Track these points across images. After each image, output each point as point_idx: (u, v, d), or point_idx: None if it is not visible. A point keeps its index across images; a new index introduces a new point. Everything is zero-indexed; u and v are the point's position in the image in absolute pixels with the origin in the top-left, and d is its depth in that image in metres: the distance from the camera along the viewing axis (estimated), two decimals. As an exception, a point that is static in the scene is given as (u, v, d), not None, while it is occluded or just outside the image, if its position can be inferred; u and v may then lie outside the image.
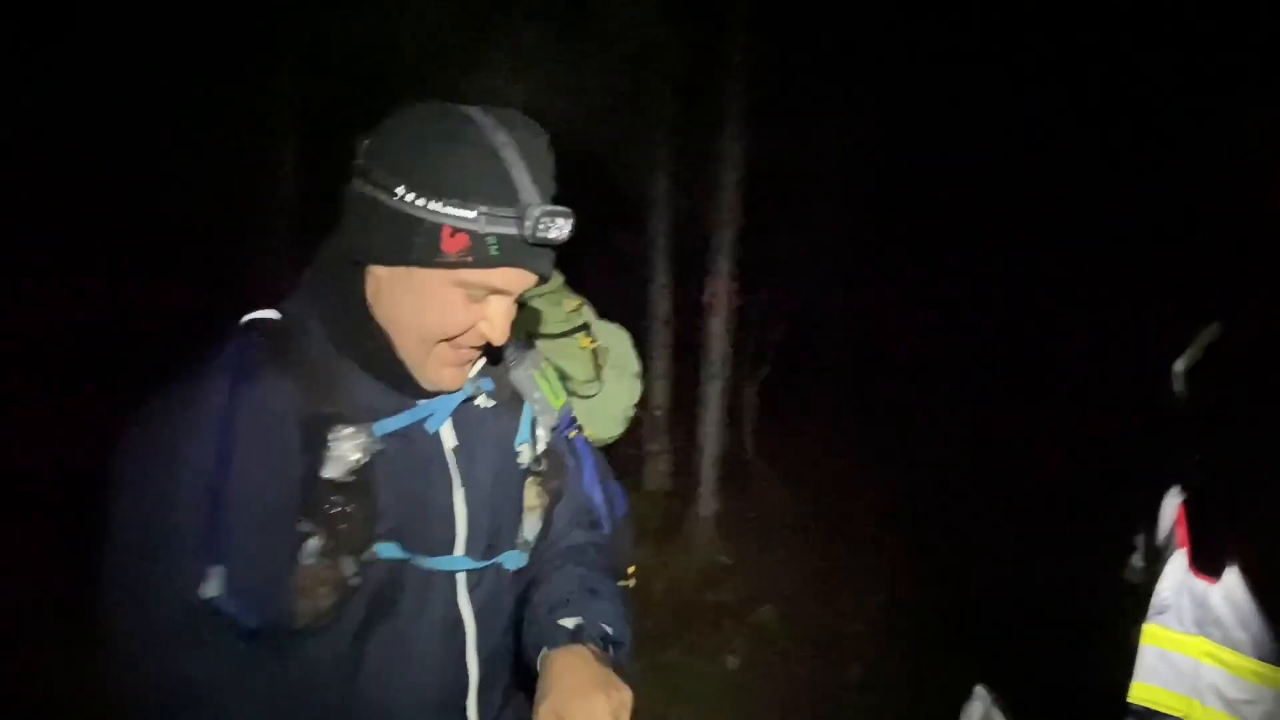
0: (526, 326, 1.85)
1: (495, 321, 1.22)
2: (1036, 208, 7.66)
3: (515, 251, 1.16)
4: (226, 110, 5.52)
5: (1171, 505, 1.86)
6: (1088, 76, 6.83)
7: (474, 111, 1.19)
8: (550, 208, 1.16)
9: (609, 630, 1.33)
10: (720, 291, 5.15)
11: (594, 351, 2.18)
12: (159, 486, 1.14)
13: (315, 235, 1.34)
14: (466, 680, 1.33)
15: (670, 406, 6.19)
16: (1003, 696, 1.92)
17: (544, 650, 1.28)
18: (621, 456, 1.60)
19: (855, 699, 4.19)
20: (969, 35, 6.59)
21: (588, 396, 2.18)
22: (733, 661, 4.42)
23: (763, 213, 5.48)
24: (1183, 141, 6.22)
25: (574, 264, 2.22)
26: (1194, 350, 1.93)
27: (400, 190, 1.15)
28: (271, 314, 1.28)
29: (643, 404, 2.48)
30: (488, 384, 1.38)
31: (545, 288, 2.13)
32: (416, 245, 1.16)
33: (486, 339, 1.24)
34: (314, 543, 1.17)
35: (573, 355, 2.12)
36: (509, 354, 1.44)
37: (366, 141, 1.19)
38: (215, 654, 1.12)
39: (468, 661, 1.33)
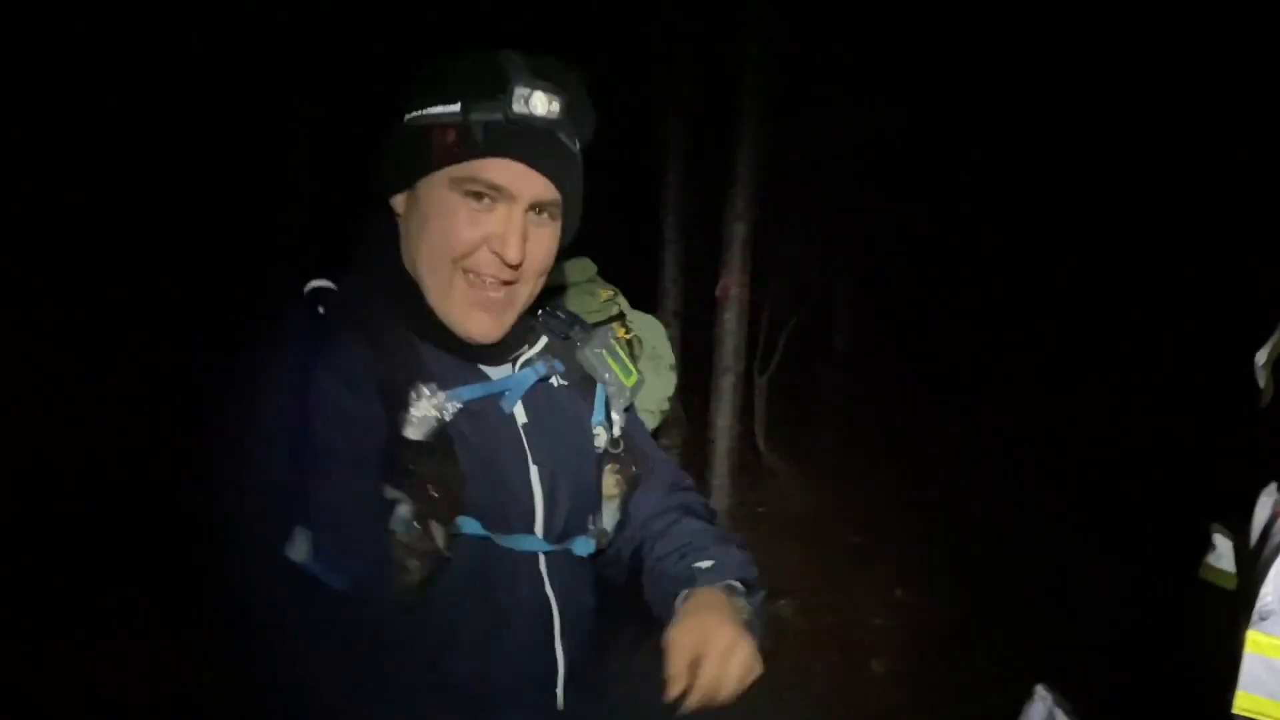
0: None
1: (505, 236, 1.17)
2: (1068, 195, 7.62)
3: (503, 137, 1.14)
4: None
5: (1266, 505, 1.78)
6: (1108, 66, 6.79)
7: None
8: (534, 81, 1.13)
9: (745, 576, 1.32)
10: (732, 285, 5.10)
11: (629, 343, 2.14)
12: (250, 450, 1.10)
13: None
14: (555, 665, 1.28)
15: (682, 400, 6.15)
16: (1066, 699, 1.86)
17: (682, 593, 1.26)
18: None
19: (878, 693, 4.14)
20: (985, 28, 6.55)
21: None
22: (765, 608, 4.36)
23: (776, 206, 5.44)
24: (1240, 121, 6.17)
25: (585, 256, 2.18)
26: (1277, 340, 1.85)
27: (405, 113, 1.18)
28: (328, 284, 1.24)
29: (671, 394, 2.44)
30: (559, 365, 1.35)
31: (578, 277, 2.09)
32: (415, 159, 1.16)
33: (504, 261, 1.18)
34: (403, 509, 1.11)
35: (615, 343, 2.08)
36: (575, 333, 1.40)
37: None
38: (310, 619, 1.06)
39: (556, 646, 1.28)
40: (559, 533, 1.30)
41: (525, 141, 1.15)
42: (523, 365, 1.31)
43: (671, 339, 5.80)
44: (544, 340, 1.36)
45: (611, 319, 2.11)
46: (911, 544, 5.34)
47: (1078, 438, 6.42)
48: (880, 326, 8.61)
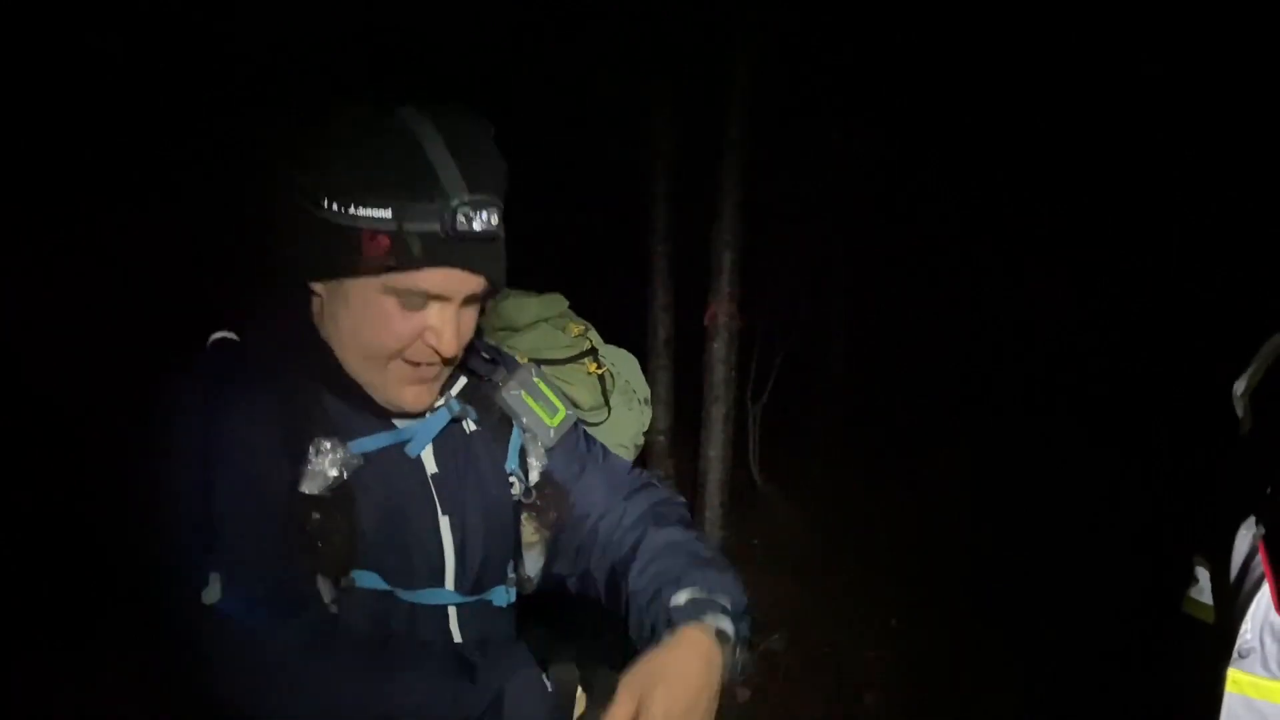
0: (530, 353, 1.77)
1: (440, 330, 1.13)
2: (1047, 224, 7.62)
3: (439, 249, 1.08)
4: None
5: (1245, 538, 1.73)
6: (1092, 88, 6.80)
7: (399, 107, 1.12)
8: (471, 196, 1.07)
9: (727, 603, 1.22)
10: (721, 313, 5.08)
11: (600, 378, 2.11)
12: (153, 500, 1.08)
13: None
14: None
15: (673, 431, 6.11)
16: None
17: (662, 634, 1.18)
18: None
19: (871, 727, 4.10)
20: (968, 56, 6.57)
21: (594, 424, 2.11)
22: (743, 692, 4.32)
23: (764, 234, 5.43)
24: (1213, 141, 6.17)
25: (573, 286, 2.17)
26: (1255, 369, 1.81)
27: (318, 198, 1.08)
28: (231, 335, 1.21)
29: (646, 429, 2.41)
30: (472, 410, 1.30)
31: (548, 312, 2.06)
32: (340, 256, 1.09)
33: (440, 354, 1.15)
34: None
35: (578, 382, 2.05)
36: (497, 373, 1.34)
37: (289, 146, 1.13)
38: (223, 653, 1.05)
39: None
40: (472, 584, 1.27)
41: (464, 250, 1.10)
42: (431, 405, 1.27)
43: (663, 369, 5.86)
44: (462, 381, 1.32)
45: (582, 354, 2.08)
46: (906, 575, 5.28)
47: (1075, 468, 6.38)
48: (875, 353, 8.58)
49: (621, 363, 2.24)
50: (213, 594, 1.01)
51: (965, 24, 6.34)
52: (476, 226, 1.07)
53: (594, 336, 2.15)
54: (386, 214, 1.06)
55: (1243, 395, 1.81)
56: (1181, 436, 5.26)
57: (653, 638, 1.20)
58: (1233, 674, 1.67)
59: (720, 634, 1.19)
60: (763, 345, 6.03)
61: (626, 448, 2.23)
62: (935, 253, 8.14)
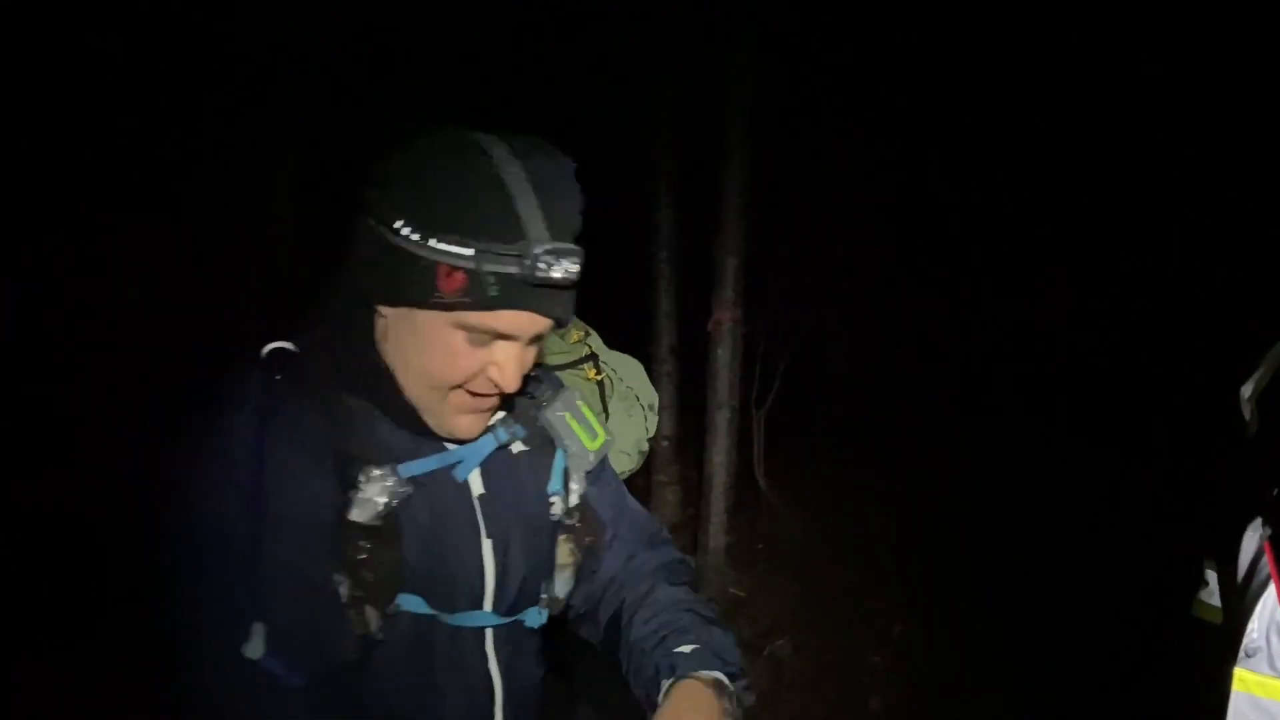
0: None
1: (504, 367, 1.12)
2: (1047, 225, 7.61)
3: (517, 292, 1.06)
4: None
5: (1252, 539, 1.73)
6: (1092, 89, 6.80)
7: (485, 138, 1.09)
8: (555, 245, 1.05)
9: (728, 661, 1.27)
10: (725, 319, 5.07)
11: (600, 384, 2.11)
12: (197, 541, 1.06)
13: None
14: None
15: (678, 436, 6.11)
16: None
17: (665, 683, 1.23)
18: (629, 488, 1.53)
19: (877, 734, 4.08)
20: (969, 58, 6.57)
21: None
22: (748, 698, 4.30)
23: (768, 240, 5.43)
24: (1213, 141, 6.16)
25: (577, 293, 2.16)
26: (1263, 372, 1.80)
27: (398, 225, 1.06)
28: (288, 346, 1.20)
29: (651, 435, 2.40)
30: (520, 430, 1.29)
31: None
32: (414, 285, 1.07)
33: (501, 388, 1.14)
34: (341, 591, 1.09)
35: (577, 387, 2.05)
36: (540, 393, 1.34)
37: (376, 169, 1.11)
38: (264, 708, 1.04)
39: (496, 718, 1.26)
40: (509, 605, 1.27)
41: (540, 295, 1.08)
42: (482, 432, 1.26)
43: (668, 375, 5.85)
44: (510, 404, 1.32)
45: (581, 360, 2.08)
46: (910, 580, 5.27)
47: (1078, 471, 6.36)
48: (878, 358, 8.57)
49: (626, 369, 2.24)
50: (255, 649, 1.00)
51: (965, 26, 6.34)
52: (556, 275, 1.06)
53: (595, 342, 2.15)
54: (467, 252, 1.04)
55: (1250, 398, 1.81)
56: (1183, 438, 5.25)
57: (655, 677, 1.26)
58: (1239, 673, 1.67)
59: (719, 684, 1.24)
60: (766, 350, 6.02)
61: (629, 454, 2.22)
62: (937, 257, 8.13)
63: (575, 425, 1.36)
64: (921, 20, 6.17)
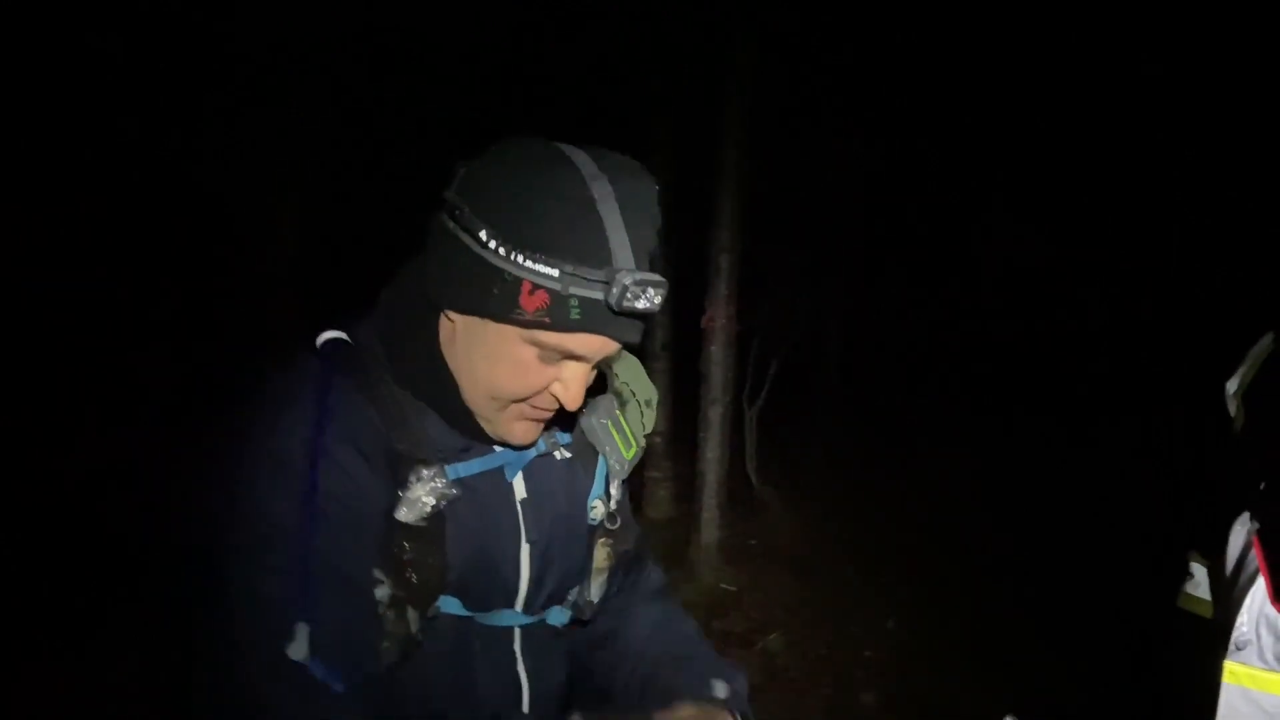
0: None
1: (570, 387, 1.12)
2: (1045, 225, 7.65)
3: (598, 317, 1.05)
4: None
5: (1240, 534, 1.76)
6: (1091, 89, 6.83)
7: (577, 155, 1.08)
8: (643, 276, 1.03)
9: (734, 680, 1.32)
10: (719, 316, 5.10)
11: (618, 390, 2.12)
12: (248, 536, 1.05)
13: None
14: None
15: (671, 433, 6.14)
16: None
17: (654, 692, 1.28)
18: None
19: (870, 727, 4.11)
20: (966, 58, 6.60)
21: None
22: None
23: (761, 237, 5.46)
24: (1213, 141, 6.19)
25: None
26: (1247, 368, 1.83)
27: (484, 236, 1.05)
28: (343, 336, 1.19)
29: (648, 432, 2.42)
30: (564, 438, 1.31)
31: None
32: (494, 297, 1.05)
33: (563, 405, 1.14)
34: (382, 591, 1.09)
35: (621, 411, 2.07)
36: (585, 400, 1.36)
37: (462, 173, 1.09)
38: (303, 710, 1.03)
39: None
40: (538, 606, 1.29)
41: (621, 323, 1.07)
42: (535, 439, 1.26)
43: (662, 372, 5.87)
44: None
45: (578, 355, 2.09)
46: (904, 575, 5.31)
47: (1071, 467, 6.41)
48: (871, 356, 8.60)
49: (623, 365, 2.25)
50: (300, 650, 0.99)
51: (963, 27, 6.37)
52: (641, 305, 1.04)
53: (596, 338, 2.16)
54: (553, 272, 1.03)
55: (1235, 394, 1.83)
56: (1174, 435, 5.30)
57: (644, 689, 1.31)
58: (1230, 666, 1.70)
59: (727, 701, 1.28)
60: (759, 347, 6.05)
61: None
62: (931, 256, 8.17)
63: (615, 434, 1.39)
64: (920, 19, 6.19)
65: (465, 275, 1.07)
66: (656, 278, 1.05)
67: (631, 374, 2.26)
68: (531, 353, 1.09)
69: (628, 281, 1.02)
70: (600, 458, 1.37)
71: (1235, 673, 1.69)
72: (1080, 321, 7.94)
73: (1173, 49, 6.13)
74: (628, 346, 1.14)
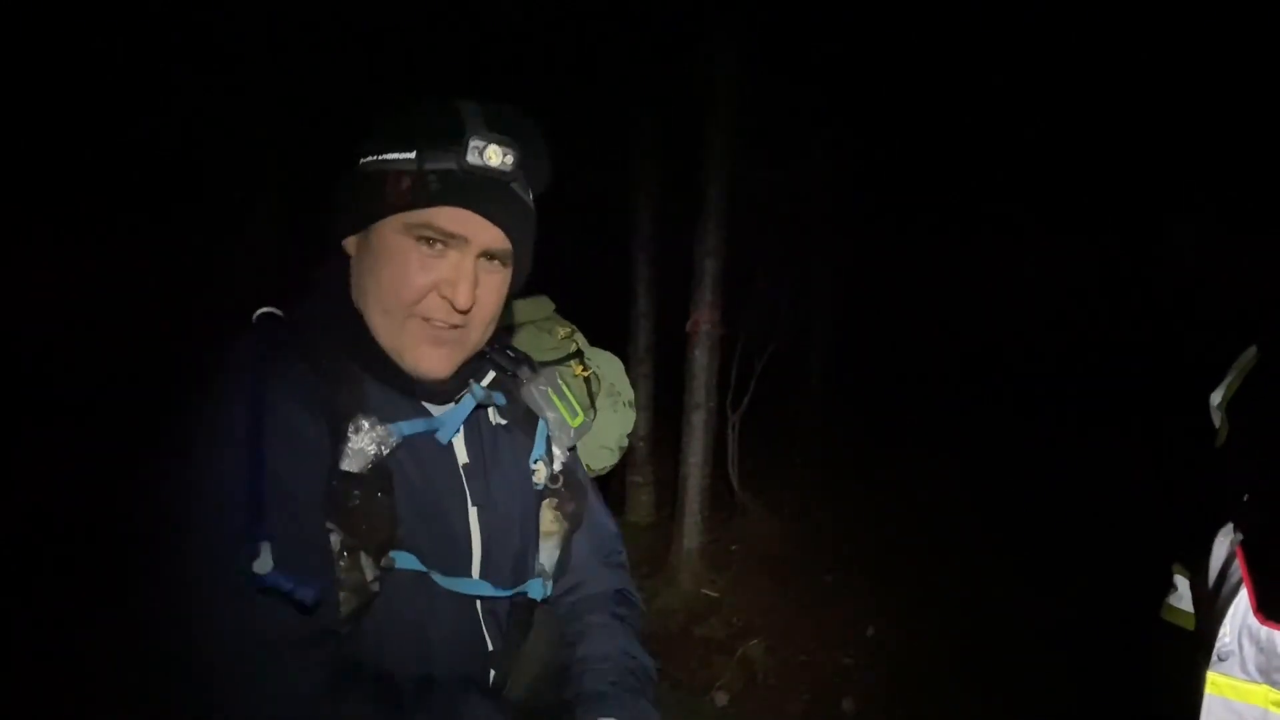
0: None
1: (455, 282, 1.17)
2: (1025, 231, 7.68)
3: (456, 187, 1.14)
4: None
5: (1223, 545, 1.76)
6: (1078, 93, 6.87)
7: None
8: (489, 134, 1.14)
9: None
10: (703, 321, 5.09)
11: (586, 380, 2.12)
12: (199, 482, 1.08)
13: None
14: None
15: (653, 437, 6.12)
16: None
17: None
18: (603, 488, 1.56)
19: (849, 735, 4.10)
20: (952, 65, 6.62)
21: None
22: (721, 698, 4.32)
23: (746, 241, 5.45)
24: (1213, 141, 6.21)
25: (555, 293, 2.18)
26: (1232, 379, 1.83)
27: (359, 155, 1.18)
28: (276, 311, 1.24)
29: (630, 431, 2.42)
30: (499, 398, 1.34)
31: (535, 315, 2.07)
32: (368, 201, 1.16)
33: (453, 306, 1.18)
34: (334, 539, 1.11)
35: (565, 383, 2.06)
36: (522, 371, 1.39)
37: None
38: (273, 633, 1.05)
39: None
40: (504, 576, 1.29)
41: (478, 192, 1.15)
42: (453, 376, 1.29)
43: (644, 376, 5.85)
44: (490, 375, 1.36)
45: (569, 356, 2.09)
46: (884, 582, 5.30)
47: (1052, 475, 6.43)
48: (856, 362, 8.61)
49: (606, 365, 2.25)
50: (265, 564, 1.00)
51: (948, 26, 6.39)
52: (491, 162, 1.15)
53: (580, 339, 2.16)
54: (410, 155, 1.14)
55: (1220, 405, 1.83)
56: (1157, 443, 5.32)
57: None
58: (1212, 677, 1.69)
59: None
60: (743, 352, 6.03)
61: (610, 449, 2.24)
62: (916, 262, 8.19)
63: (557, 401, 1.41)
64: (905, 19, 6.21)
65: (349, 199, 1.19)
66: (504, 138, 1.15)
67: (615, 374, 2.27)
68: (409, 244, 1.16)
69: (475, 142, 1.14)
70: (541, 422, 1.39)
71: (1217, 683, 1.69)
72: (1064, 329, 7.97)
73: (1139, 48, 6.17)
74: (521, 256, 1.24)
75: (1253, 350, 1.84)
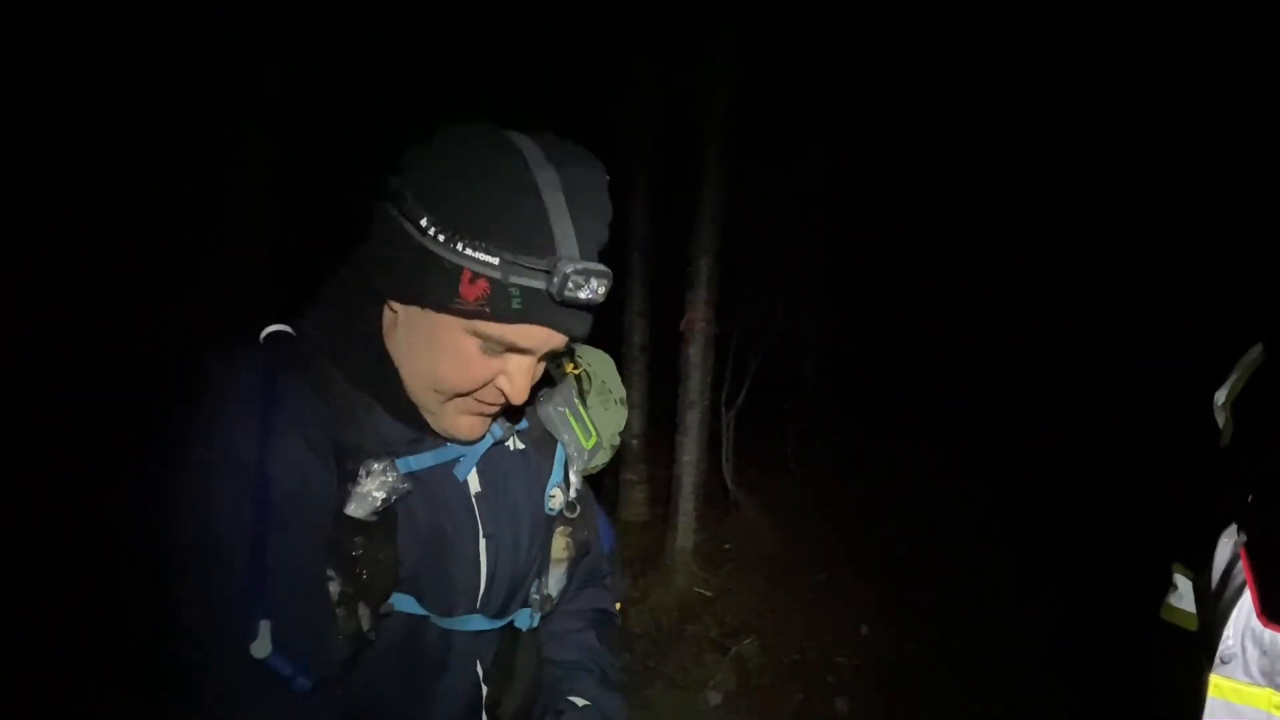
0: None
1: (514, 379, 1.09)
2: (1020, 228, 7.68)
3: (540, 308, 1.02)
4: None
5: (1227, 546, 1.73)
6: (1077, 95, 6.86)
7: (524, 141, 1.04)
8: (586, 265, 1.00)
9: None
10: (697, 319, 5.07)
11: (578, 377, 2.09)
12: (200, 534, 1.00)
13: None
14: None
15: (648, 435, 6.10)
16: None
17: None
18: (596, 486, 1.53)
19: (843, 735, 4.09)
20: (948, 66, 6.61)
21: (573, 424, 2.10)
22: (715, 696, 4.31)
23: (740, 239, 5.43)
24: (1213, 141, 6.20)
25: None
26: (1236, 378, 1.81)
27: (424, 223, 1.01)
28: (287, 329, 1.15)
29: (622, 429, 2.40)
30: (519, 425, 1.27)
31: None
32: (434, 286, 1.02)
33: (508, 399, 1.11)
34: (332, 587, 1.04)
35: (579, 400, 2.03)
36: (541, 391, 1.31)
37: (406, 158, 1.05)
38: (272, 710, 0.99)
39: None
40: (499, 607, 1.25)
41: (563, 314, 1.04)
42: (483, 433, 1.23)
43: (639, 373, 5.83)
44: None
45: (559, 354, 2.06)
46: (877, 581, 5.30)
47: (1049, 473, 6.42)
48: (849, 361, 8.61)
49: (598, 362, 2.22)
50: (263, 647, 0.95)
51: (948, 26, 6.38)
52: (584, 296, 1.02)
53: (572, 336, 2.13)
54: (493, 260, 1.00)
55: (1224, 404, 1.81)
56: (1158, 443, 5.32)
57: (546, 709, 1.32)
58: (1215, 680, 1.68)
59: None
60: (737, 351, 6.02)
61: (603, 448, 2.21)
62: (910, 259, 8.18)
63: (574, 422, 1.35)
64: (903, 19, 6.20)
65: (405, 263, 1.04)
66: (600, 267, 1.03)
67: (606, 371, 2.24)
68: (473, 344, 1.06)
69: (569, 270, 1.00)
70: (559, 445, 1.33)
71: (1220, 686, 1.67)
72: (1062, 328, 7.96)
73: (1144, 46, 6.17)
74: (575, 340, 1.10)
75: (1258, 348, 1.81)
